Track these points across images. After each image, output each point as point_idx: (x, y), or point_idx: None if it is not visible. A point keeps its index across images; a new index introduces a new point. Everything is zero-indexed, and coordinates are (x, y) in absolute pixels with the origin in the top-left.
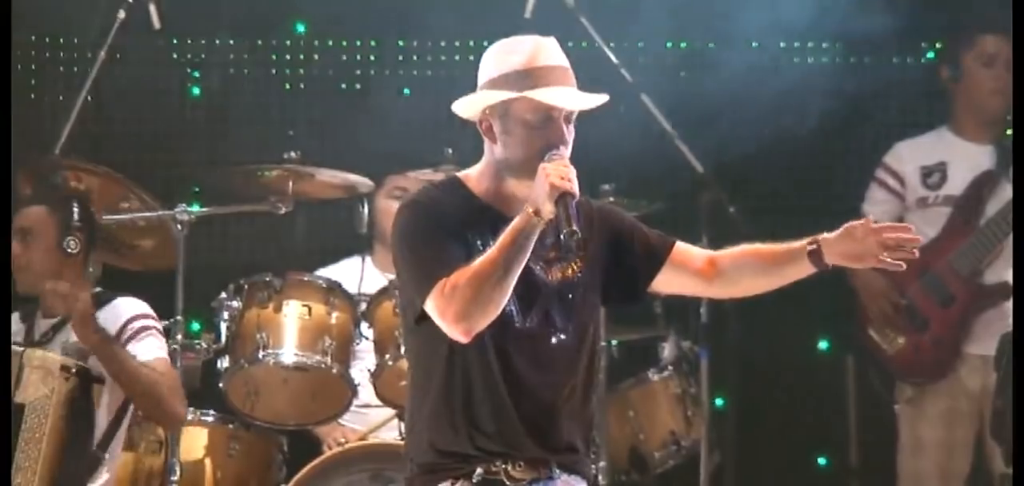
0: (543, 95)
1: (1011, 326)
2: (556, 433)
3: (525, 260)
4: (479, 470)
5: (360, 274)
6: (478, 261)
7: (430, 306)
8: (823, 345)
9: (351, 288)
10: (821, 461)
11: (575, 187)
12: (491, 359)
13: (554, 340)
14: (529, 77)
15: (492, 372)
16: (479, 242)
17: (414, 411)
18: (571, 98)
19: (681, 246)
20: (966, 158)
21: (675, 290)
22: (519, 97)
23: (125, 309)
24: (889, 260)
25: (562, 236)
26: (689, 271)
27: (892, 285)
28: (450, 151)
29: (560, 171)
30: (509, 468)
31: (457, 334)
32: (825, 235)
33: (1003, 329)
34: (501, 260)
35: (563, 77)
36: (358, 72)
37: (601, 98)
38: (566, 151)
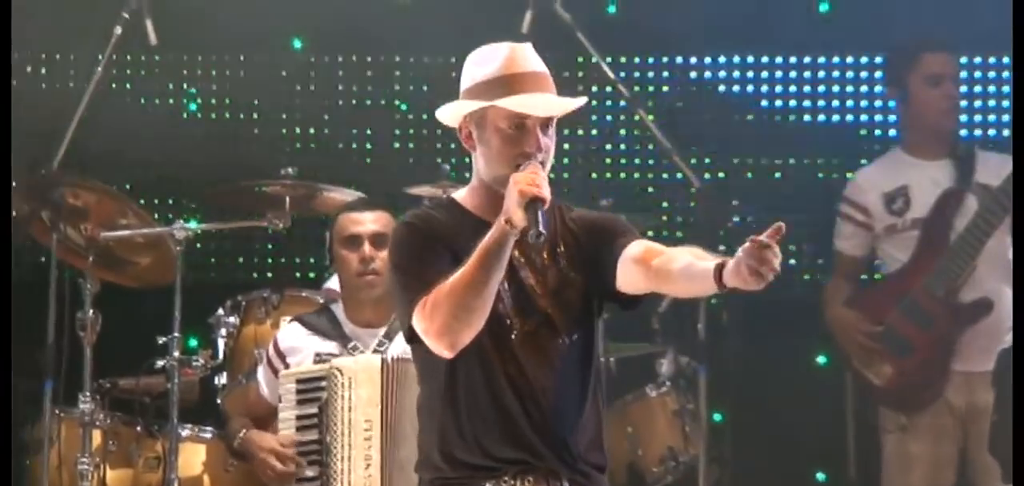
0: (513, 103)
1: (1010, 342)
2: (566, 438)
3: (502, 270)
4: (488, 485)
5: None
6: (455, 276)
7: (415, 324)
8: (822, 360)
9: None
10: (820, 476)
11: (545, 192)
12: (495, 366)
13: (557, 342)
14: (503, 84)
15: (497, 379)
16: (469, 251)
17: (422, 426)
18: (543, 104)
19: (638, 244)
20: (925, 178)
21: (635, 286)
22: (491, 106)
23: None
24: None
25: (529, 237)
26: (632, 261)
27: (865, 316)
28: (447, 167)
29: (528, 178)
30: (517, 484)
31: (441, 349)
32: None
33: (986, 345)
34: (479, 272)
35: (539, 82)
36: (355, 88)
37: (578, 102)
38: (548, 157)
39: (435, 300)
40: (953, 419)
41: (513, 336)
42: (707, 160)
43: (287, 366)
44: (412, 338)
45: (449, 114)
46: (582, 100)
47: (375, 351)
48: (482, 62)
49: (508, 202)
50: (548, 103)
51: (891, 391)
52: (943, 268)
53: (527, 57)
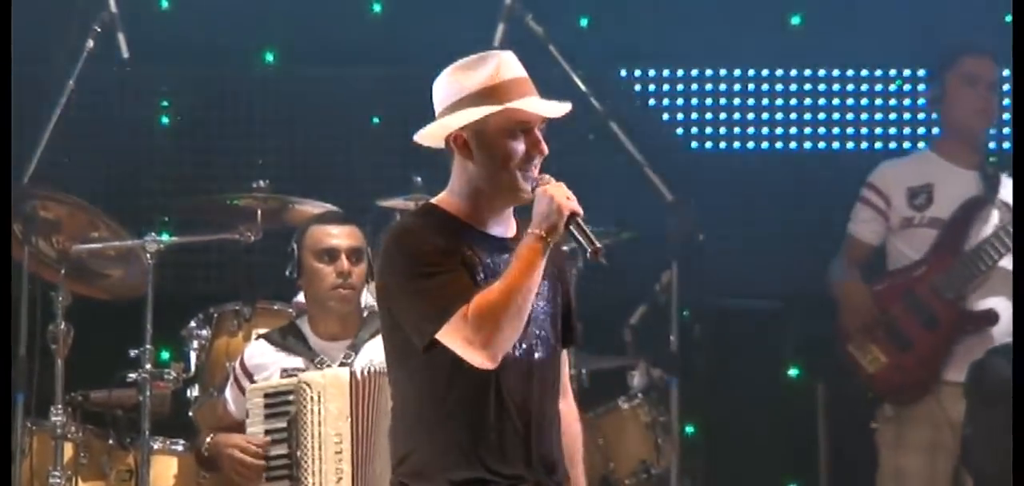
0: (524, 104)
1: (982, 354)
2: (551, 453)
3: (539, 283)
4: None
5: None
6: (497, 288)
7: (448, 335)
8: (793, 372)
9: None
10: None
11: (579, 206)
12: (494, 381)
13: (546, 359)
14: (504, 90)
15: (499, 394)
16: (476, 259)
17: (417, 439)
18: (545, 106)
19: (565, 356)
20: (952, 181)
21: None
22: (496, 111)
23: None
24: None
25: (587, 255)
26: None
27: (873, 301)
28: (419, 179)
29: (565, 192)
30: None
31: (483, 361)
32: None
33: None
34: (522, 285)
35: (529, 87)
36: (327, 101)
37: (566, 105)
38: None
39: (480, 311)
40: (951, 432)
41: (516, 353)
42: (679, 174)
43: (254, 383)
44: (428, 348)
45: (443, 127)
46: (568, 104)
47: (342, 364)
48: (470, 70)
49: (547, 216)
50: (549, 106)
51: (881, 382)
52: (956, 272)
53: (513, 64)
